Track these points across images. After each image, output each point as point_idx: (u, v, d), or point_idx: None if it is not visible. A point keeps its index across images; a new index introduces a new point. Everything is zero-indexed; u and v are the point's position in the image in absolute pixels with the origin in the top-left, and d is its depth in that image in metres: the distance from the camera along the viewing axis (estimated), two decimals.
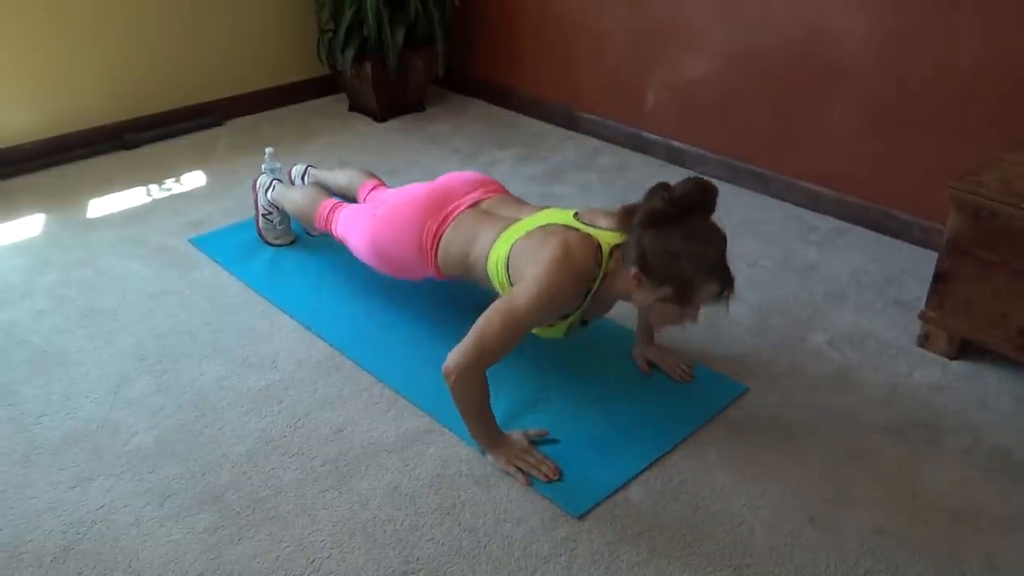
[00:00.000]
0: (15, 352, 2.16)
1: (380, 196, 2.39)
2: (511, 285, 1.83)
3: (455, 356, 1.72)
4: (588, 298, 1.80)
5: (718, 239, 1.67)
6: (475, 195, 2.05)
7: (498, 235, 1.89)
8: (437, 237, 2.00)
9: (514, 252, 1.83)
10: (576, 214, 1.86)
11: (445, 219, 2.00)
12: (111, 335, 2.23)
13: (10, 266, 2.54)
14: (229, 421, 1.94)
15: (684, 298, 1.66)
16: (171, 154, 3.34)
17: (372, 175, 2.55)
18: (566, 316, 1.84)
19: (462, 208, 2.02)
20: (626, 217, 1.72)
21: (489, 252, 1.89)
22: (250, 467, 1.81)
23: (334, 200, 2.39)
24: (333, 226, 2.32)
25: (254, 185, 2.64)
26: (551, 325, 1.87)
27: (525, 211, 1.97)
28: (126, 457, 1.83)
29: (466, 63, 3.96)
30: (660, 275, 1.65)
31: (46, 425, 1.92)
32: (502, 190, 2.12)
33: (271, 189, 2.58)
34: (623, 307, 2.17)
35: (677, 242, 1.63)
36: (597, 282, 1.78)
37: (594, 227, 1.80)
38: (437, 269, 2.03)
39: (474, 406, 1.77)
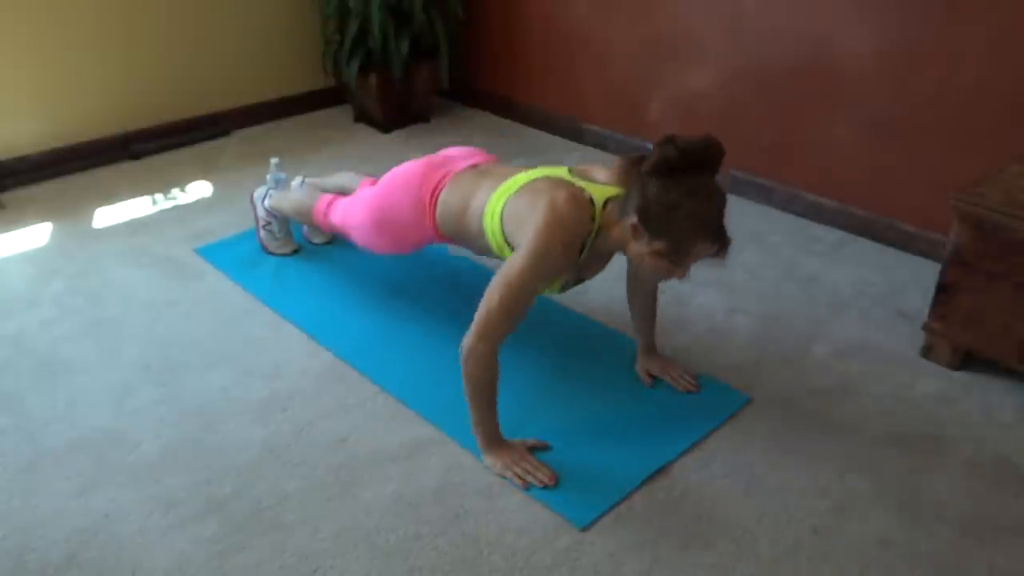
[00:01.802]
0: (21, 361, 2.17)
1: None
2: (507, 244, 1.85)
3: (465, 338, 1.74)
4: (584, 254, 1.80)
5: (719, 198, 1.66)
6: (472, 160, 2.10)
7: (493, 190, 1.90)
8: (436, 193, 2.02)
9: (507, 210, 1.84)
10: (570, 170, 1.87)
11: (444, 176, 2.04)
12: (116, 344, 2.24)
13: (17, 275, 2.56)
14: (233, 430, 1.94)
15: (678, 254, 1.66)
16: (177, 164, 3.36)
17: (370, 177, 2.56)
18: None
19: (460, 168, 2.05)
20: (629, 168, 1.72)
21: (484, 207, 1.90)
22: (254, 476, 1.81)
23: (331, 195, 2.41)
24: (332, 216, 2.33)
25: (252, 197, 2.65)
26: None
27: (521, 170, 1.98)
28: (130, 466, 1.84)
29: (471, 75, 3.98)
30: (658, 228, 1.65)
31: (51, 433, 1.92)
32: (495, 159, 2.17)
33: (267, 198, 2.60)
34: (625, 317, 2.18)
35: (679, 196, 1.62)
36: (591, 237, 1.77)
37: (588, 180, 1.80)
38: (436, 228, 2.05)
39: (483, 390, 1.77)
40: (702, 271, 2.58)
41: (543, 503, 1.74)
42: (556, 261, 1.73)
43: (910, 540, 1.67)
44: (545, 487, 1.77)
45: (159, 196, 3.09)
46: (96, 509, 1.72)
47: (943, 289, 2.12)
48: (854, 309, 2.43)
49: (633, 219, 1.67)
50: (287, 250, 2.66)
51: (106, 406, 2.01)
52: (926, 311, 2.19)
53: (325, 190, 2.60)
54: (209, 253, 2.67)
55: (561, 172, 1.86)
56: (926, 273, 2.51)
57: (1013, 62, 2.35)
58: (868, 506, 1.75)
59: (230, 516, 1.71)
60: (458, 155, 2.15)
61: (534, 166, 1.96)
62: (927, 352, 2.20)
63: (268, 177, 2.66)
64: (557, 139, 3.66)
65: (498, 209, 1.86)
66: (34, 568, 1.59)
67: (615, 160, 1.81)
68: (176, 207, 3.01)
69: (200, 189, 3.15)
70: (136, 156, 3.39)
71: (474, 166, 2.07)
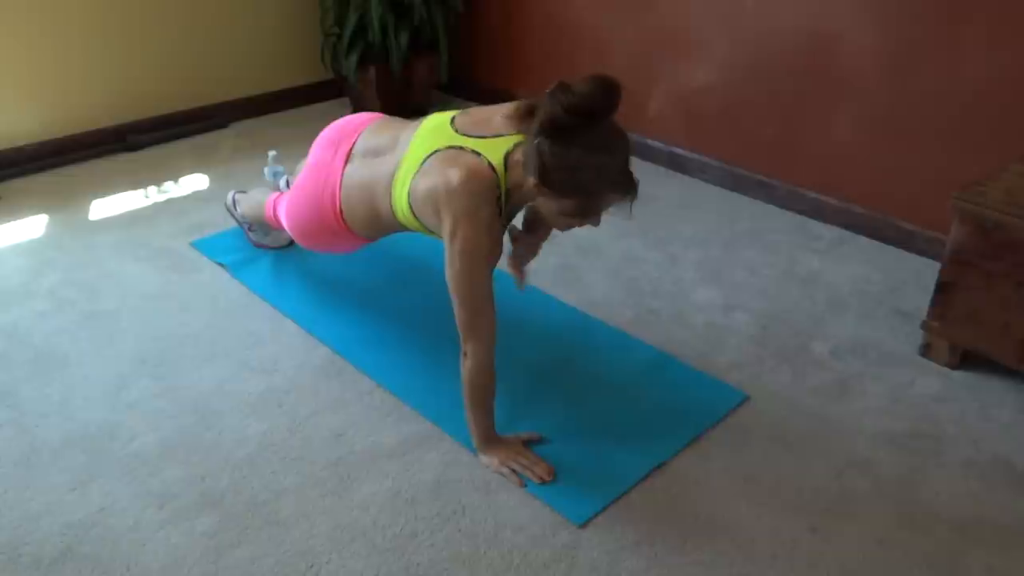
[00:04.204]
0: (16, 353, 2.16)
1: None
2: (429, 229, 1.81)
3: (462, 347, 1.74)
4: (503, 214, 1.74)
5: (621, 147, 1.59)
6: (343, 148, 1.99)
7: (391, 184, 1.83)
8: (337, 212, 1.97)
9: (413, 198, 1.77)
10: (453, 119, 1.78)
11: (333, 191, 1.96)
12: (112, 337, 2.22)
13: (12, 267, 2.54)
14: (229, 425, 1.93)
15: (587, 211, 1.63)
16: (174, 156, 3.34)
17: None
18: None
19: (339, 173, 1.96)
20: (526, 119, 1.64)
21: (393, 206, 1.85)
22: (250, 471, 1.80)
23: (275, 194, 2.35)
24: (281, 219, 2.26)
25: (226, 207, 2.63)
26: None
27: (400, 140, 1.88)
28: (126, 460, 1.83)
29: (470, 68, 3.96)
30: (560, 188, 1.60)
31: (46, 427, 1.91)
32: (361, 126, 2.03)
33: (237, 204, 2.58)
34: (625, 314, 2.17)
35: (577, 155, 1.55)
36: (503, 200, 1.71)
37: (478, 137, 1.73)
38: (363, 239, 2.02)
39: (478, 394, 1.77)
40: (700, 269, 2.59)
41: (541, 500, 1.74)
42: (484, 244, 1.68)
43: (908, 540, 1.67)
44: (543, 482, 1.76)
45: (156, 188, 3.07)
46: (91, 503, 1.71)
47: (942, 288, 2.12)
48: (853, 307, 2.43)
49: (533, 180, 1.62)
50: (281, 243, 2.63)
51: (102, 400, 2.00)
52: (925, 310, 2.19)
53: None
54: (206, 246, 2.66)
55: (445, 132, 1.76)
56: (926, 272, 2.51)
57: (1015, 61, 2.34)
58: (866, 505, 1.75)
59: (226, 511, 1.70)
60: (329, 153, 2.01)
61: (408, 127, 1.88)
62: (926, 351, 2.20)
63: (265, 170, 2.65)
64: None
65: (405, 203, 1.80)
66: (28, 562, 1.58)
67: (512, 106, 1.72)
68: (173, 199, 2.99)
69: (197, 181, 3.14)
70: (133, 148, 3.37)
71: (348, 158, 1.96)
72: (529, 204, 1.85)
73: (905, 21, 2.53)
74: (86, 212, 2.89)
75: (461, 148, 1.72)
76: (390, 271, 2.54)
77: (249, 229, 2.61)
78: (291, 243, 2.64)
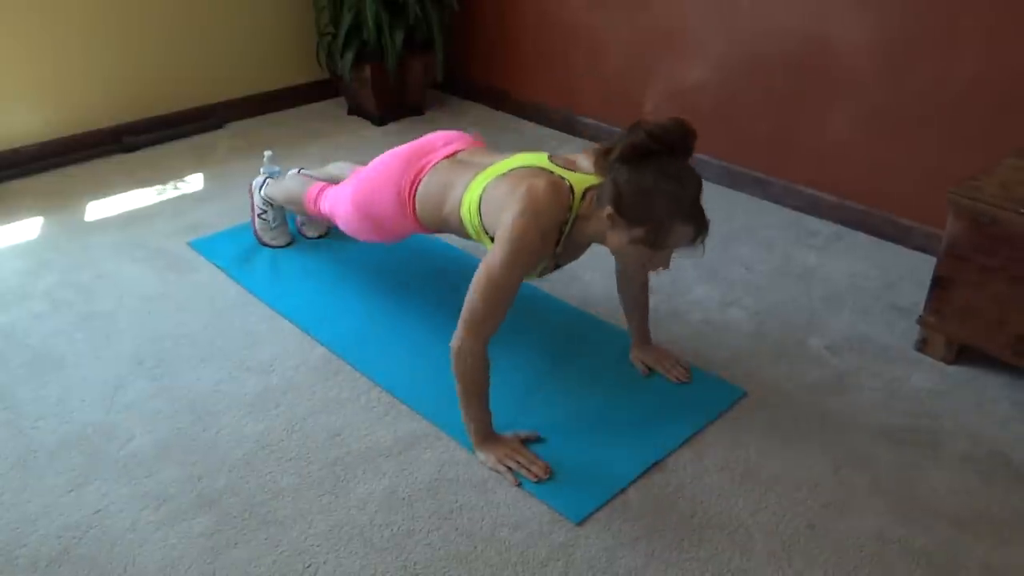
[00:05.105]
0: (12, 355, 2.16)
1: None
2: (484, 231, 1.84)
3: (454, 336, 1.74)
4: (561, 243, 1.79)
5: (694, 181, 1.64)
6: (453, 147, 2.07)
7: (471, 180, 1.89)
8: (414, 186, 2.01)
9: (485, 196, 1.83)
10: (550, 156, 1.86)
11: (422, 168, 2.02)
12: (109, 338, 2.22)
13: (8, 269, 2.54)
14: (226, 425, 1.93)
15: (657, 240, 1.64)
16: (170, 157, 3.34)
17: (363, 166, 2.55)
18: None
19: (438, 158, 2.02)
20: (603, 157, 1.69)
21: (463, 198, 1.89)
22: (247, 471, 1.80)
23: (322, 183, 2.40)
24: (322, 204, 2.32)
25: (250, 187, 2.64)
26: None
27: (500, 158, 1.96)
28: (123, 461, 1.83)
29: (465, 67, 3.96)
30: (634, 215, 1.63)
31: (43, 428, 1.91)
32: (480, 143, 2.14)
33: (264, 186, 2.59)
34: (616, 309, 2.17)
35: (652, 181, 1.60)
36: (568, 225, 1.76)
37: (567, 169, 1.80)
38: (417, 220, 2.04)
39: (474, 388, 1.77)
40: (697, 266, 2.59)
41: (538, 498, 1.74)
42: (534, 250, 1.71)
43: (906, 535, 1.67)
44: (539, 480, 1.76)
45: (152, 189, 3.07)
46: (88, 505, 1.71)
47: (938, 283, 2.12)
48: (849, 303, 2.43)
49: (608, 209, 1.66)
50: (281, 242, 2.64)
51: (98, 401, 2.00)
52: (921, 305, 2.19)
53: (319, 179, 2.59)
54: (203, 246, 2.66)
55: (541, 159, 1.85)
56: (922, 267, 2.51)
57: (1010, 55, 2.34)
58: (863, 501, 1.75)
59: (223, 512, 1.70)
60: (440, 142, 2.11)
61: (515, 151, 1.95)
62: (922, 346, 2.20)
63: (261, 170, 2.65)
64: (551, 131, 3.65)
65: (476, 197, 1.84)
66: (25, 564, 1.58)
67: (592, 149, 1.79)
68: (169, 200, 2.99)
69: (194, 182, 3.13)
70: (129, 148, 3.37)
71: (452, 155, 2.04)
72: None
73: (900, 16, 2.53)
74: (83, 213, 2.89)
75: (551, 172, 1.79)
76: (388, 271, 2.54)
77: (260, 215, 2.61)
78: (289, 243, 2.65)
